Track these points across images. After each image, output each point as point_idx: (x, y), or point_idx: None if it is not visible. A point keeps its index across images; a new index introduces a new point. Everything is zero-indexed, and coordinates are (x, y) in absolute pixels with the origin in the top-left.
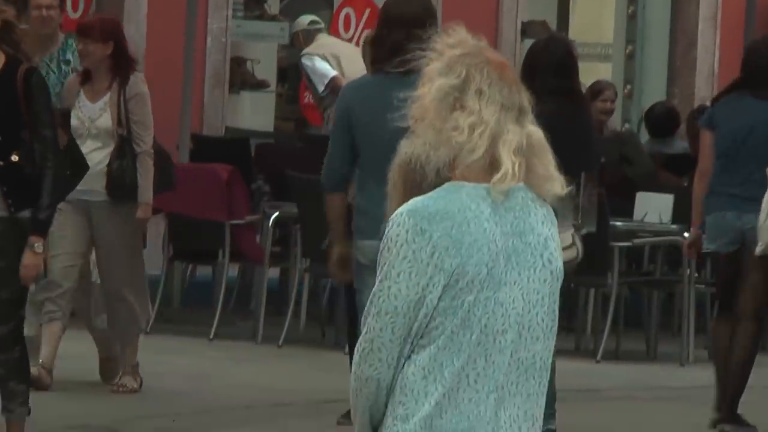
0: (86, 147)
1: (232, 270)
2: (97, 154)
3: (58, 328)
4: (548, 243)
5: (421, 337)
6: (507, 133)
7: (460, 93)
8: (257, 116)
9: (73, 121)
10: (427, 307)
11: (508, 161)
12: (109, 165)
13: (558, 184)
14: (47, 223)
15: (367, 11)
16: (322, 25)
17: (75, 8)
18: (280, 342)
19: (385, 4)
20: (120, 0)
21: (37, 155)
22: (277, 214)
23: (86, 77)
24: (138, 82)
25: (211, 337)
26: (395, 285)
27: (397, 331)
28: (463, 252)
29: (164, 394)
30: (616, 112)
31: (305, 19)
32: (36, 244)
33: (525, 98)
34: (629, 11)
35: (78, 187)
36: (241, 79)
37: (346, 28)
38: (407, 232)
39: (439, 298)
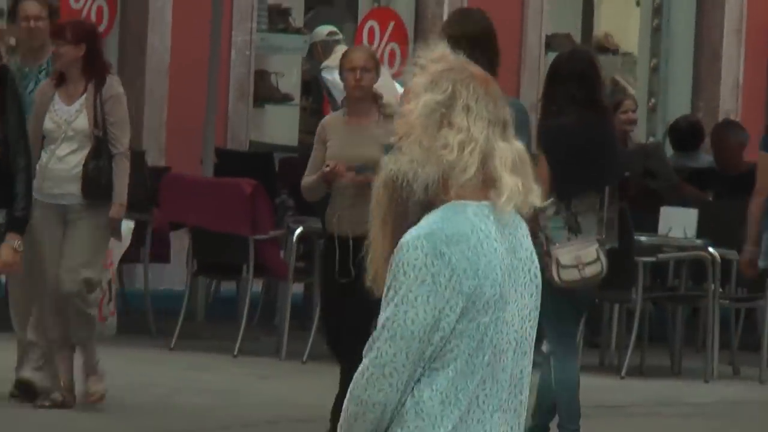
0: (61, 150)
1: (256, 285)
2: (72, 158)
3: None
4: (533, 257)
5: (434, 360)
6: (498, 149)
7: (447, 109)
8: (281, 130)
9: (48, 125)
10: (444, 331)
11: (510, 180)
12: (85, 165)
13: (537, 196)
14: (25, 220)
15: (392, 24)
16: (341, 36)
17: (99, 20)
18: (305, 358)
19: (446, 23)
20: (144, 12)
21: (10, 155)
22: (301, 229)
23: (61, 80)
24: (114, 84)
25: (236, 352)
26: (412, 309)
27: (411, 356)
28: (479, 273)
29: (188, 409)
30: (640, 126)
31: (323, 30)
32: (16, 242)
33: (508, 112)
34: (654, 24)
35: (54, 191)
36: (265, 92)
37: (371, 40)
38: (426, 255)
39: (456, 321)
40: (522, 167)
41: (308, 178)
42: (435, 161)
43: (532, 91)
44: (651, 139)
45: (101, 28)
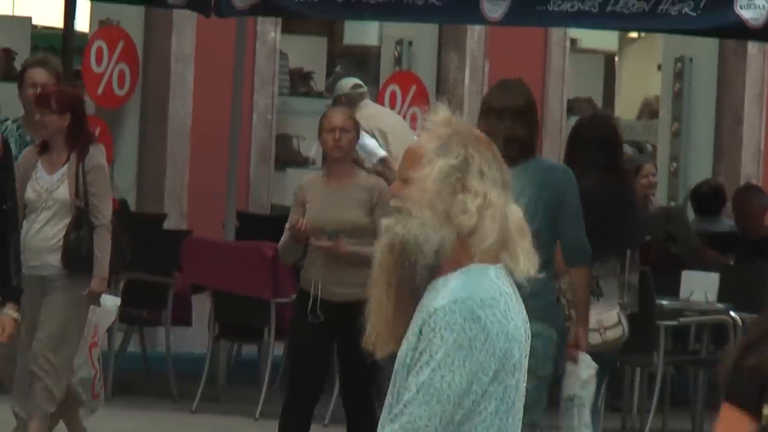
0: (40, 220)
1: (278, 348)
2: (49, 229)
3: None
4: (527, 318)
5: (463, 424)
6: (510, 213)
7: (462, 173)
8: None
9: (30, 194)
10: (475, 394)
11: (524, 244)
12: (65, 236)
13: (533, 266)
14: (21, 289)
15: (413, 87)
16: (365, 89)
17: (121, 85)
18: (326, 421)
19: (487, 95)
20: (166, 77)
21: (3, 227)
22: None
23: (44, 148)
24: (97, 154)
25: (257, 416)
26: (449, 374)
27: (444, 419)
28: (509, 336)
29: None
30: (662, 190)
31: (348, 83)
32: (17, 314)
33: (508, 174)
34: (675, 88)
35: (32, 263)
36: (286, 156)
37: (392, 104)
38: (464, 320)
39: (488, 384)
40: (525, 230)
41: (282, 241)
42: (451, 226)
43: (553, 155)
44: (672, 204)
45: (123, 92)
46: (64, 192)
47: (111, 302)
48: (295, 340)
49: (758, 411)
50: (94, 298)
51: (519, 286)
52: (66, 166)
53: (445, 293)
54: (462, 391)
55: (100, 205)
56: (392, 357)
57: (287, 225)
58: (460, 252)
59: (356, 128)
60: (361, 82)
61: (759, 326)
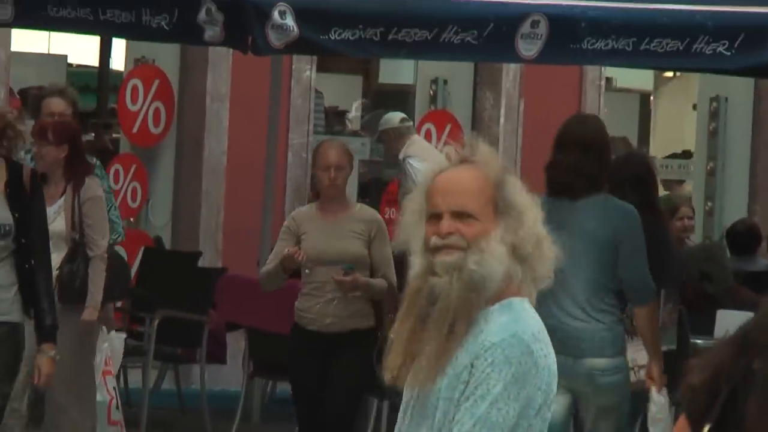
0: None
1: None
2: None
3: None
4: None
5: None
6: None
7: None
8: None
9: None
10: (522, 428)
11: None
12: (60, 269)
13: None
14: (55, 326)
15: (448, 126)
16: (412, 123)
17: (156, 123)
18: None
19: (561, 128)
20: (201, 114)
21: (35, 266)
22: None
23: (42, 180)
24: (93, 186)
25: None
26: (505, 407)
27: None
28: (551, 371)
29: None
30: (697, 229)
31: (395, 117)
32: (53, 352)
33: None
34: (710, 128)
35: None
36: None
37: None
38: (521, 354)
39: (533, 418)
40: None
41: (267, 269)
42: (515, 259)
43: None
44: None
45: (158, 130)
46: (60, 225)
47: (117, 339)
48: (293, 378)
49: (700, 428)
50: (88, 328)
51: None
52: (63, 198)
53: (496, 327)
54: (513, 425)
55: (96, 237)
56: (378, 389)
57: (272, 255)
58: (507, 285)
59: (350, 163)
60: (407, 117)
61: (712, 350)
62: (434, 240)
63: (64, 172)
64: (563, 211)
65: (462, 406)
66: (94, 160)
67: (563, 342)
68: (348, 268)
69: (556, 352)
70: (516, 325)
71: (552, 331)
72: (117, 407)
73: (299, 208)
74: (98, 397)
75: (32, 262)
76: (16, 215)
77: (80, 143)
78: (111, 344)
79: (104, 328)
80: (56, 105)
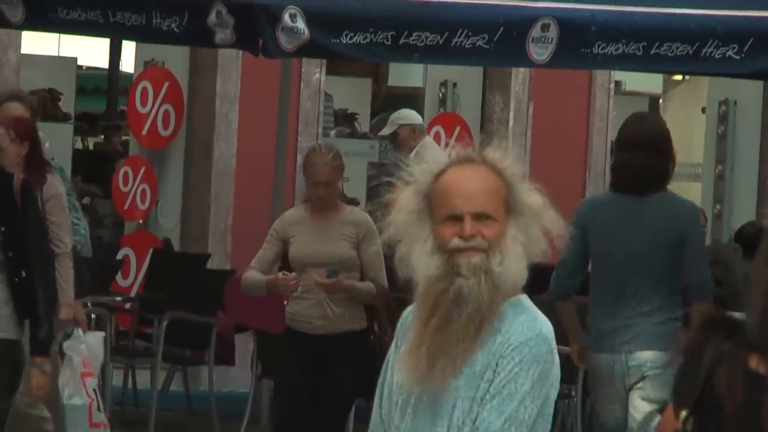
0: None
1: None
2: None
3: None
4: None
5: None
6: None
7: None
8: None
9: None
10: (538, 425)
11: None
12: None
13: None
14: (50, 341)
15: (457, 128)
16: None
17: (166, 126)
18: None
19: (623, 127)
20: (210, 118)
21: (32, 274)
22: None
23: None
24: (55, 183)
25: None
26: (531, 405)
27: None
28: (558, 364)
29: None
30: (706, 233)
31: (415, 114)
32: (45, 364)
33: None
34: (719, 131)
35: None
36: None
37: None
38: (546, 352)
39: (548, 414)
40: None
41: (254, 278)
42: (528, 257)
43: None
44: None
45: (168, 133)
46: None
47: (94, 339)
48: (279, 377)
49: (679, 413)
50: (64, 326)
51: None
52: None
53: (518, 326)
54: (534, 422)
55: (61, 234)
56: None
57: (259, 256)
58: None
59: (340, 175)
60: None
61: (688, 336)
62: (456, 242)
63: (24, 170)
64: (629, 208)
65: (488, 405)
66: (53, 158)
67: (629, 339)
68: (332, 272)
69: (620, 350)
70: (537, 323)
71: (619, 329)
72: (98, 409)
73: (289, 210)
74: (77, 401)
75: (23, 274)
76: (3, 228)
77: (39, 141)
78: (87, 345)
79: (79, 330)
80: (15, 109)
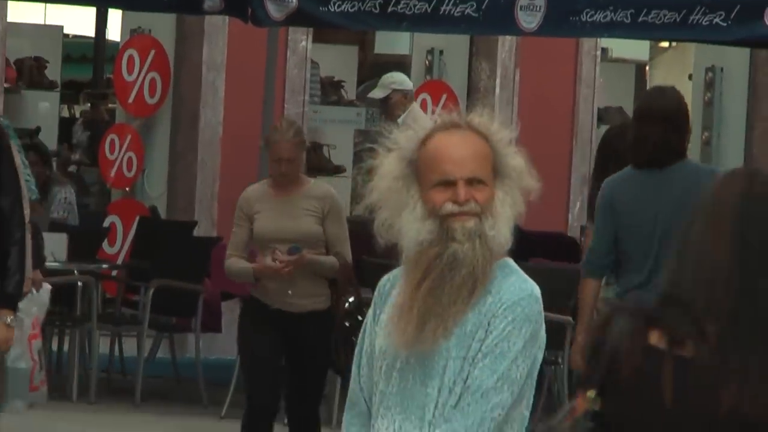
0: None
1: None
2: None
3: None
4: None
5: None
6: None
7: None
8: None
9: None
10: (527, 384)
11: None
12: None
13: None
14: (18, 296)
15: (444, 96)
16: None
17: (152, 93)
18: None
19: (641, 101)
20: (197, 85)
21: (4, 227)
22: (351, 300)
23: None
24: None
25: (286, 421)
26: (523, 364)
27: (507, 408)
28: (544, 327)
29: None
30: None
31: (407, 79)
32: (9, 318)
33: None
34: (706, 98)
35: None
36: (317, 164)
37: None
38: (537, 312)
39: (534, 375)
40: None
41: (239, 266)
42: (515, 220)
43: (584, 164)
44: None
45: (154, 101)
46: None
47: (45, 293)
48: (250, 353)
49: (585, 393)
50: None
51: None
52: None
53: (509, 287)
54: (523, 381)
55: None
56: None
57: (233, 241)
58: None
59: (302, 150)
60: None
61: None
62: (450, 207)
63: None
64: (651, 182)
65: (480, 363)
66: (2, 119)
67: None
68: (294, 248)
69: None
70: (528, 284)
71: (649, 303)
72: (40, 369)
73: (250, 186)
74: (21, 365)
75: None
76: None
77: None
78: (38, 303)
79: (34, 290)
80: None
